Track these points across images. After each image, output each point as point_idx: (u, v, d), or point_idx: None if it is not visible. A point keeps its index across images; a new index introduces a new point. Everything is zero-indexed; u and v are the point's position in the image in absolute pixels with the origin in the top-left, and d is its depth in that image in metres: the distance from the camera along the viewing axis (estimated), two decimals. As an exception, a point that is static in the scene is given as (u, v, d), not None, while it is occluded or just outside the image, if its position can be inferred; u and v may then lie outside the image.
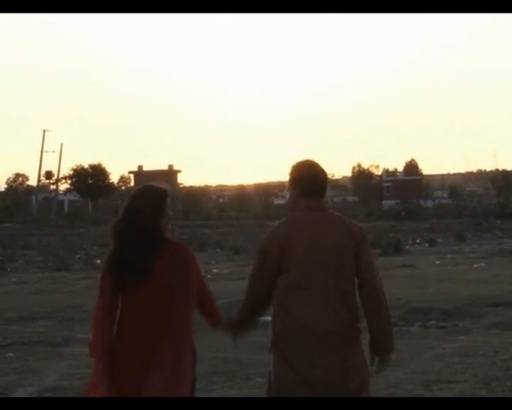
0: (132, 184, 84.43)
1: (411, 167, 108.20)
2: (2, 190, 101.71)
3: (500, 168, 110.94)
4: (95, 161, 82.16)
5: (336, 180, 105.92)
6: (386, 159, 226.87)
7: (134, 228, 3.85)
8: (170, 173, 76.93)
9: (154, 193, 3.93)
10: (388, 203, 78.69)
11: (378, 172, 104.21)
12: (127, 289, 3.82)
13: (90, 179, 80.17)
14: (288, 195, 4.11)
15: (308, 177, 4.00)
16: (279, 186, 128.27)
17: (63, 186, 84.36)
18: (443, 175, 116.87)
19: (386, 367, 4.05)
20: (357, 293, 3.98)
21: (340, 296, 3.87)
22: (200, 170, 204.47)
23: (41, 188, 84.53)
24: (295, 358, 3.84)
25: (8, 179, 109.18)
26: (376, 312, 3.93)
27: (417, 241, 34.98)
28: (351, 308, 3.91)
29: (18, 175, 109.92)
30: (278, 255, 3.91)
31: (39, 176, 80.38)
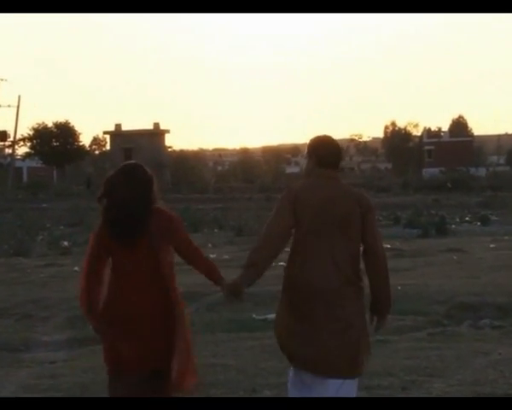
0: (108, 147, 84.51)
1: (459, 126, 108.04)
2: None
3: None
4: (61, 119, 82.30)
5: (364, 143, 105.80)
6: (428, 116, 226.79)
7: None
8: (155, 134, 76.93)
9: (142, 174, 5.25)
10: (430, 171, 78.72)
11: (417, 132, 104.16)
12: (117, 251, 5.19)
13: (54, 142, 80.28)
14: (304, 164, 5.43)
15: (323, 149, 5.38)
16: (292, 150, 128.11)
17: (21, 150, 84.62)
18: (499, 136, 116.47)
19: (382, 327, 5.45)
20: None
21: (345, 256, 5.19)
22: (194, 130, 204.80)
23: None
24: (296, 307, 5.23)
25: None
26: (377, 276, 5.30)
27: (467, 219, 35.02)
28: (354, 268, 5.23)
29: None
30: (294, 204, 5.21)
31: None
